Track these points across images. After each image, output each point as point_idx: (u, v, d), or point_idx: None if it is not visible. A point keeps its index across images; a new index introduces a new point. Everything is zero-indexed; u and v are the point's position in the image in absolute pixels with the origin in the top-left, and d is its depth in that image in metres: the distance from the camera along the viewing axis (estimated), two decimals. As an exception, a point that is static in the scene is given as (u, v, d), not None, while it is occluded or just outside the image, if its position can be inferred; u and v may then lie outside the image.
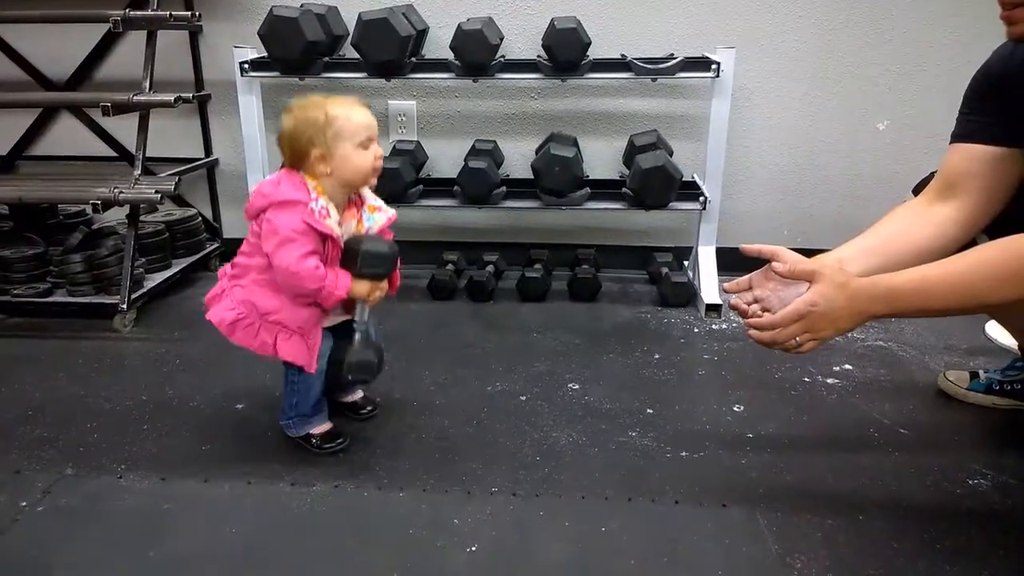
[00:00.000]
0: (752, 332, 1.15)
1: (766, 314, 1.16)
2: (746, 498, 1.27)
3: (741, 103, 2.20)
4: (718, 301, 2.09)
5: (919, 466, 1.36)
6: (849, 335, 1.92)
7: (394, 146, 2.29)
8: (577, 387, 1.68)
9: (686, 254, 2.37)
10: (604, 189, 2.19)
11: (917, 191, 1.38)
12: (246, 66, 2.11)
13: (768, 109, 2.30)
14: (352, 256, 1.30)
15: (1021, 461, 1.37)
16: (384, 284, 1.35)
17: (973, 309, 1.15)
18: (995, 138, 1.26)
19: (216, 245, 2.52)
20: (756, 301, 1.21)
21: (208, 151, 2.49)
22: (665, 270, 2.23)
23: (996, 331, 1.88)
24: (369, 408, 1.56)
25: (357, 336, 1.36)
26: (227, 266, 1.39)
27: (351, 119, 1.27)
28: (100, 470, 1.37)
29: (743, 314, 1.21)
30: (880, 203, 1.36)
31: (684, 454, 1.41)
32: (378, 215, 1.39)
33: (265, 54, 2.09)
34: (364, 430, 1.50)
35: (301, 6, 2.10)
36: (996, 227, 1.23)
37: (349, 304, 1.36)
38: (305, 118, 1.26)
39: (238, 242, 2.38)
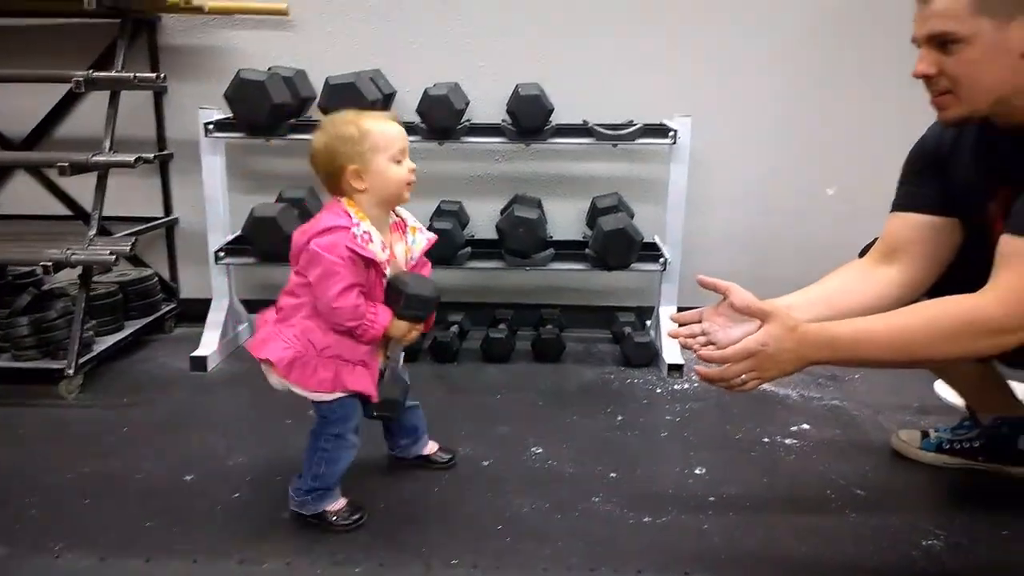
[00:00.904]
0: (699, 368, 1.17)
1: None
2: (709, 566, 1.27)
3: (699, 168, 2.27)
4: (680, 361, 2.11)
5: (875, 527, 1.38)
6: (805, 394, 1.97)
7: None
8: (540, 451, 1.67)
9: (648, 314, 2.41)
10: (568, 250, 2.22)
11: (862, 255, 1.44)
12: (211, 127, 2.12)
13: (724, 174, 2.39)
14: (396, 296, 1.30)
15: (972, 521, 1.40)
16: (420, 325, 1.36)
17: (911, 363, 1.19)
18: (932, 208, 1.33)
19: (172, 306, 2.47)
20: (703, 334, 1.25)
21: (168, 210, 2.47)
22: (628, 330, 2.26)
23: (945, 390, 1.94)
24: (450, 457, 1.59)
25: (387, 373, 1.36)
26: (268, 311, 1.37)
27: (385, 133, 1.28)
28: (36, 549, 1.30)
29: (685, 346, 1.24)
30: (831, 265, 1.42)
31: (647, 519, 1.40)
32: (419, 236, 1.40)
33: (230, 115, 2.11)
34: (322, 499, 1.46)
35: (269, 69, 2.13)
36: (937, 289, 1.29)
37: (384, 339, 1.35)
38: (338, 134, 1.27)
39: (195, 302, 2.40)
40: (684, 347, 1.26)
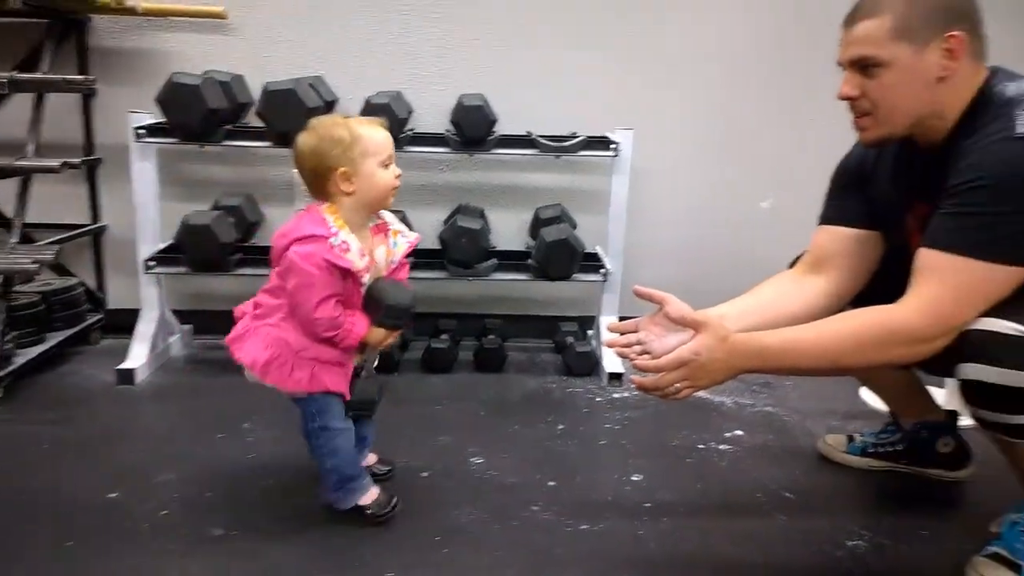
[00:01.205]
0: (635, 378, 1.19)
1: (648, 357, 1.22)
2: (645, 571, 1.28)
3: (640, 180, 2.32)
4: (620, 370, 2.14)
5: (804, 529, 1.42)
6: (739, 401, 2.02)
7: (298, 215, 2.27)
8: (481, 461, 1.66)
9: (590, 323, 2.43)
10: (511, 260, 2.23)
11: (792, 266, 1.50)
12: (141, 131, 2.06)
13: (665, 186, 2.44)
14: (375, 306, 1.31)
15: (894, 521, 1.45)
16: (396, 331, 1.38)
17: (836, 371, 1.24)
18: (856, 222, 1.40)
19: (98, 317, 2.37)
20: (639, 343, 1.27)
21: (95, 217, 2.37)
22: (570, 340, 2.28)
23: (870, 396, 2.01)
24: (388, 469, 1.57)
25: (363, 373, 1.38)
26: (247, 305, 1.36)
27: (375, 138, 1.29)
28: (-53, 572, 1.22)
29: (622, 355, 1.27)
30: (767, 275, 1.47)
31: (584, 527, 1.41)
32: (400, 240, 1.40)
33: (163, 119, 2.05)
34: (251, 514, 1.42)
35: (204, 73, 2.08)
36: (862, 298, 1.35)
37: (360, 344, 1.35)
38: (330, 136, 1.27)
39: (124, 313, 2.31)
40: (620, 356, 1.28)
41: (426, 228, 2.38)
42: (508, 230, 2.43)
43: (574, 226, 2.28)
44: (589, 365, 2.22)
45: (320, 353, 1.31)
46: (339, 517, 1.41)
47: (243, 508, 1.44)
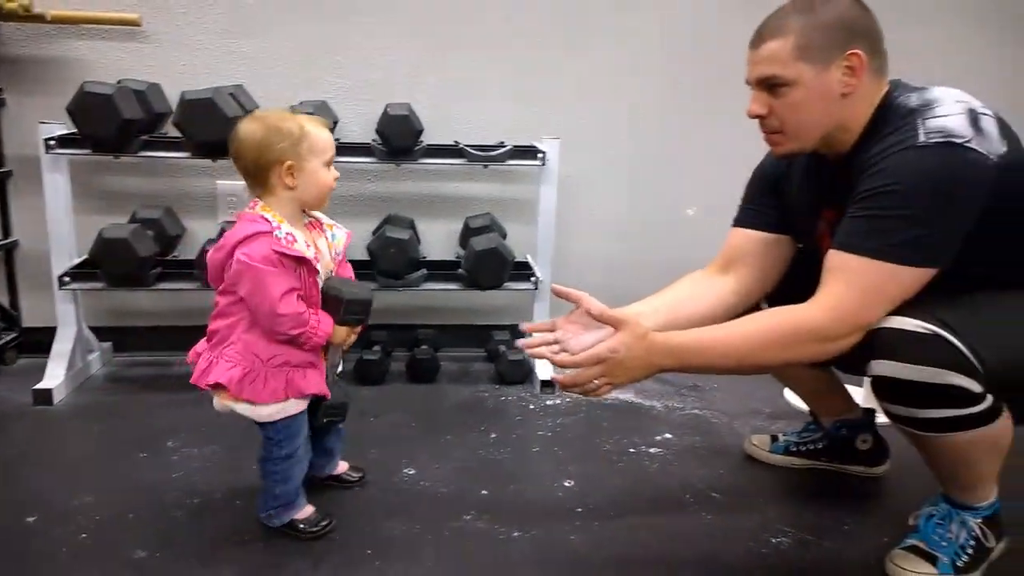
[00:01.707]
0: (555, 376, 1.20)
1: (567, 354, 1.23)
2: (576, 574, 1.29)
3: (568, 189, 2.35)
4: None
5: (731, 527, 1.46)
6: (668, 404, 2.07)
7: (222, 228, 2.20)
8: (413, 472, 1.65)
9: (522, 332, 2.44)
10: (441, 270, 2.22)
11: (709, 267, 1.55)
12: (52, 142, 1.96)
13: (592, 195, 2.48)
14: (335, 303, 1.29)
15: (817, 517, 1.51)
16: (359, 328, 1.37)
17: (749, 368, 1.28)
18: (767, 225, 1.46)
19: (14, 335, 2.25)
20: (556, 342, 1.29)
21: (6, 232, 2.25)
22: (502, 348, 2.28)
23: (793, 396, 2.09)
24: (359, 475, 1.58)
25: (329, 376, 1.35)
26: (200, 343, 1.32)
27: (322, 137, 1.28)
28: None
29: (537, 355, 1.29)
30: (690, 279, 1.51)
31: (517, 534, 1.41)
32: (337, 232, 1.40)
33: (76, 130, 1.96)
34: (176, 534, 1.37)
35: (119, 82, 2.01)
36: (775, 299, 1.41)
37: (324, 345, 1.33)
38: (278, 128, 1.25)
39: (39, 331, 2.20)
40: (535, 356, 1.30)
41: (354, 239, 2.32)
42: (438, 240, 2.42)
43: (504, 235, 2.29)
44: (522, 373, 2.23)
45: (291, 357, 1.29)
46: (269, 534, 1.38)
47: (167, 529, 1.38)
